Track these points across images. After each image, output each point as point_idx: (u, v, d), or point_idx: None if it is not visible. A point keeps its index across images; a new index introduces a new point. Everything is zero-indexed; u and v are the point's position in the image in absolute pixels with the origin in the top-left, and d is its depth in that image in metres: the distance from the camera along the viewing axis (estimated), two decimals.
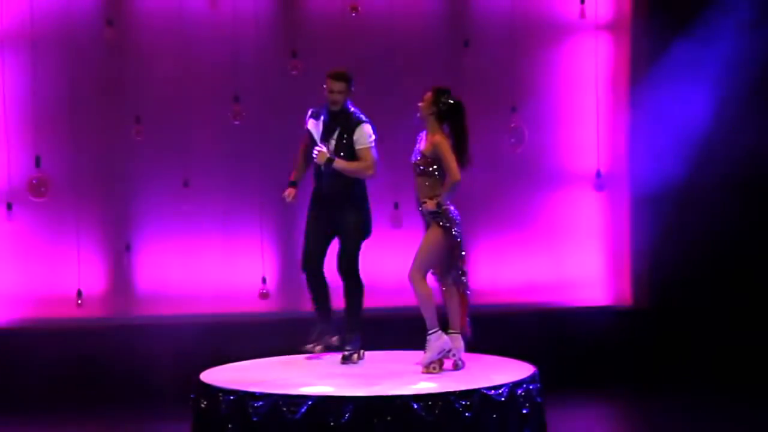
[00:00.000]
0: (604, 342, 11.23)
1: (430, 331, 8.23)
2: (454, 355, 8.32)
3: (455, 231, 8.27)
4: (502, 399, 7.70)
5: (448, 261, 8.39)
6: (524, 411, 7.84)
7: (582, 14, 10.89)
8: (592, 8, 11.12)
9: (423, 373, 8.18)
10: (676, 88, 11.04)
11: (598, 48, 11.36)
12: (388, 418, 7.41)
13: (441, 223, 8.24)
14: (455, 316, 8.41)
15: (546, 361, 8.88)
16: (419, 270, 8.25)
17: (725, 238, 11.23)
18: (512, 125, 10.71)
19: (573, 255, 11.49)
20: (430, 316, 8.24)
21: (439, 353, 8.23)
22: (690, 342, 11.29)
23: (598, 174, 11.13)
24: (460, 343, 8.41)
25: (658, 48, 11.23)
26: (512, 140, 10.69)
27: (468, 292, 8.48)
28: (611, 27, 11.51)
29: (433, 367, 8.22)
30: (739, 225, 11.23)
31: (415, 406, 7.44)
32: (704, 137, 11.05)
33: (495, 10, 11.19)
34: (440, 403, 7.49)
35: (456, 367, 8.35)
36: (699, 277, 11.30)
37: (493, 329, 10.31)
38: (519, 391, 7.85)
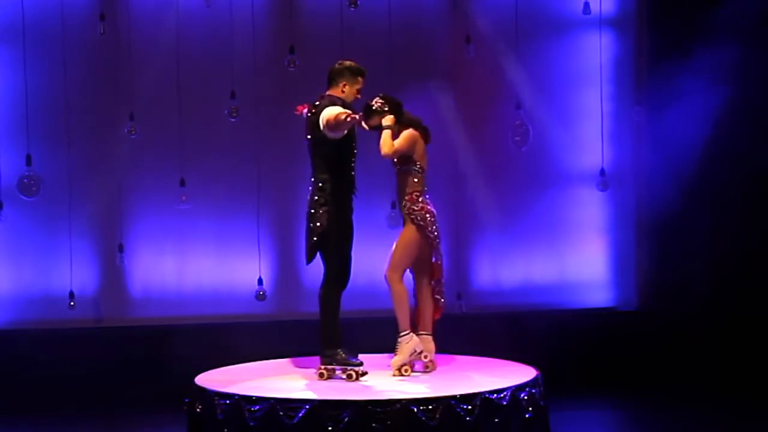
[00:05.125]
0: (608, 345, 11.19)
1: (401, 333, 8.28)
2: (425, 356, 8.33)
3: (429, 231, 8.26)
4: (505, 403, 7.67)
5: (424, 261, 8.36)
6: (527, 415, 7.82)
7: (586, 9, 10.80)
8: (597, 3, 11.05)
9: (394, 375, 8.21)
10: (682, 85, 10.98)
11: (602, 44, 11.28)
12: (388, 422, 7.35)
13: (415, 221, 8.25)
14: (427, 317, 8.39)
15: (549, 364, 8.81)
16: (395, 270, 8.27)
17: (732, 240, 11.17)
18: (516, 123, 10.62)
19: (577, 256, 11.43)
20: (402, 318, 8.28)
21: (410, 355, 8.25)
22: (694, 345, 11.21)
23: (603, 173, 11.03)
24: (432, 345, 8.42)
25: (664, 44, 11.19)
26: (516, 138, 10.63)
27: (442, 300, 8.45)
28: (616, 22, 11.45)
29: (405, 369, 8.25)
30: (746, 227, 11.17)
31: (416, 410, 7.39)
32: (711, 136, 10.99)
33: (497, 5, 11.13)
34: (441, 407, 7.44)
35: (427, 368, 8.36)
36: (704, 279, 11.25)
37: (496, 331, 10.28)
38: (522, 395, 7.83)
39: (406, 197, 8.31)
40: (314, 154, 8.22)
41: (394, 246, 8.32)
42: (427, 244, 8.30)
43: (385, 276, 8.24)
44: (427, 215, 8.27)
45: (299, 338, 10.12)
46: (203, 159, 10.83)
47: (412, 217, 8.26)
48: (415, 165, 8.31)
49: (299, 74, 10.44)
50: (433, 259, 8.35)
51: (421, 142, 8.34)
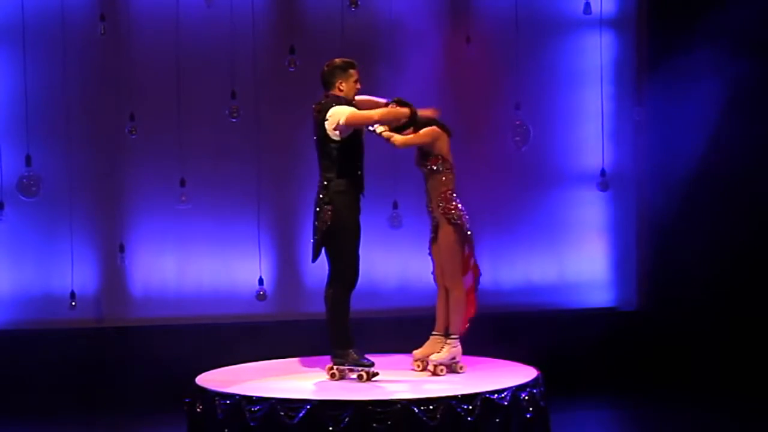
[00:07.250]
0: (608, 345, 11.18)
1: (453, 336, 8.32)
2: (461, 368, 8.37)
3: (467, 229, 8.28)
4: (505, 403, 7.70)
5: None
6: (528, 415, 7.85)
7: (586, 10, 10.78)
8: (597, 3, 11.03)
9: (430, 364, 8.25)
10: (682, 86, 10.96)
11: (602, 44, 11.27)
12: (389, 422, 7.37)
13: (452, 221, 8.21)
14: (444, 318, 8.44)
15: (550, 364, 8.84)
16: (454, 276, 8.32)
17: (732, 241, 11.14)
18: (516, 123, 10.61)
19: (577, 256, 11.43)
20: (459, 322, 8.34)
21: (451, 359, 8.29)
22: (694, 346, 11.18)
23: (603, 173, 11.02)
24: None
25: (664, 44, 11.20)
26: (516, 138, 10.62)
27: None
28: (616, 22, 11.44)
29: (441, 369, 8.26)
30: (746, 227, 11.14)
31: (417, 411, 7.40)
32: (712, 136, 10.99)
33: (498, 5, 11.12)
34: (442, 407, 7.47)
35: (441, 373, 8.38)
36: (704, 279, 11.22)
37: (496, 332, 10.28)
38: (522, 395, 7.86)
39: (439, 197, 8.26)
40: (321, 154, 8.21)
41: (438, 252, 8.33)
42: (465, 243, 8.29)
43: (447, 284, 8.30)
44: (463, 213, 8.26)
45: (299, 338, 10.14)
46: (204, 159, 10.80)
47: (449, 216, 8.23)
48: (444, 163, 8.27)
49: (299, 74, 10.42)
50: (471, 261, 8.39)
51: (444, 138, 8.29)
